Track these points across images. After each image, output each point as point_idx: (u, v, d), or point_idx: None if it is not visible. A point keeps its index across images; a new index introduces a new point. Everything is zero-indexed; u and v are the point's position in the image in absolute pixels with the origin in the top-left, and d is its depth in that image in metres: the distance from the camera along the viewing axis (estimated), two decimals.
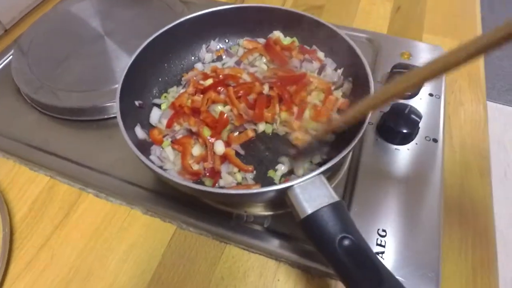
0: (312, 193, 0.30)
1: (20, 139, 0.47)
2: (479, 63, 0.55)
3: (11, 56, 0.56)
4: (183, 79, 0.47)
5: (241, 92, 0.41)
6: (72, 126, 0.48)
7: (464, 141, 0.46)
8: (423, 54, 0.53)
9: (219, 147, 0.37)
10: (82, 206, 0.42)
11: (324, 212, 0.29)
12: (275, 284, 0.36)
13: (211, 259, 0.37)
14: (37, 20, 0.59)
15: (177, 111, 0.40)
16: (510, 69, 1.62)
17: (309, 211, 0.29)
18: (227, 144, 0.39)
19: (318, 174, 0.31)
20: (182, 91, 0.45)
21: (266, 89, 0.42)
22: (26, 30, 0.57)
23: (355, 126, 0.34)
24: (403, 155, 0.43)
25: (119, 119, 0.36)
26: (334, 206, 0.29)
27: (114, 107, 0.47)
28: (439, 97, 0.48)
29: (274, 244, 0.37)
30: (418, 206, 0.39)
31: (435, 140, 0.44)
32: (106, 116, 0.48)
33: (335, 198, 0.30)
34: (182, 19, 0.46)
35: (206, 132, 0.38)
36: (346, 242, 0.27)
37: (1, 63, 0.56)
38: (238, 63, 0.47)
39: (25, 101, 0.51)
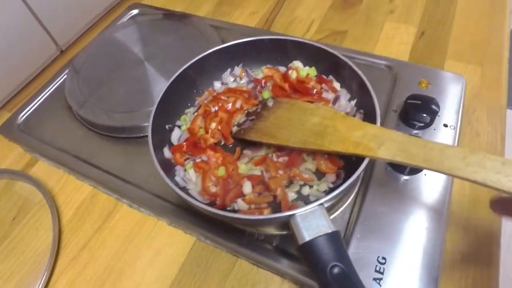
0: (311, 222, 0.34)
1: (69, 151, 0.54)
2: (501, 91, 0.55)
3: (65, 76, 0.64)
4: (196, 102, 0.52)
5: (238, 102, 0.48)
6: (114, 142, 0.55)
7: None
8: (443, 83, 0.54)
9: (247, 189, 0.41)
10: (118, 214, 0.48)
11: (320, 241, 0.32)
12: None
13: (224, 271, 0.42)
14: (88, 44, 0.67)
15: (192, 141, 0.46)
16: None
17: (307, 238, 0.32)
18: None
19: (319, 205, 0.34)
20: (195, 113, 0.50)
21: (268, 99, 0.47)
22: (78, 53, 0.66)
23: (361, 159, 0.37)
24: (411, 185, 0.45)
25: (150, 143, 0.42)
26: (329, 236, 0.32)
27: None
28: (454, 128, 0.49)
29: (280, 262, 0.41)
30: (421, 237, 0.41)
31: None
32: (142, 134, 0.54)
33: (332, 228, 0.33)
34: (211, 50, 0.51)
35: (221, 171, 0.43)
36: (337, 270, 0.31)
37: (57, 82, 0.64)
38: (252, 84, 0.52)
39: (75, 118, 0.59)
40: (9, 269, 0.45)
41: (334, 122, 0.41)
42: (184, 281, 0.42)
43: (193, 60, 0.50)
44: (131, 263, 0.44)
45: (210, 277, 0.42)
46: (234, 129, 0.48)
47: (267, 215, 0.36)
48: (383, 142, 0.36)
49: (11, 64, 0.63)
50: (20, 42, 0.63)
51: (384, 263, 0.39)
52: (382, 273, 0.38)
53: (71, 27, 0.72)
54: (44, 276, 0.43)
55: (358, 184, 0.46)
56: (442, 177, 0.45)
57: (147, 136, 0.54)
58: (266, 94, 0.49)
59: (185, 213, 0.45)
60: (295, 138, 0.42)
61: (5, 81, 0.64)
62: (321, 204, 0.35)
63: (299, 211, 0.34)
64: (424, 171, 0.46)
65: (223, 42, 0.62)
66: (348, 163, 0.43)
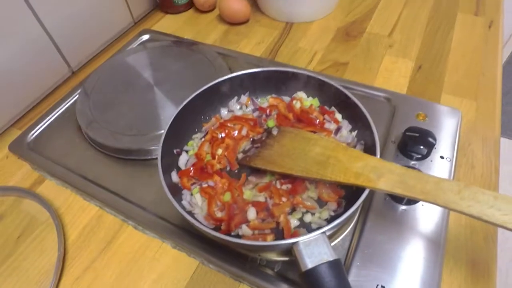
0: (314, 249, 0.35)
1: (77, 171, 0.56)
2: (495, 125, 0.58)
3: (76, 96, 0.66)
4: (203, 128, 0.54)
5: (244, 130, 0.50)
6: (121, 164, 0.56)
7: None
8: (440, 116, 0.57)
9: (252, 215, 0.43)
10: (123, 235, 0.49)
11: (322, 268, 0.34)
12: None
13: None
14: (99, 67, 0.70)
15: (199, 166, 0.47)
16: None
17: (309, 266, 0.34)
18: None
19: (321, 233, 0.36)
20: (202, 139, 0.52)
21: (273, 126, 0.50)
22: (89, 75, 0.68)
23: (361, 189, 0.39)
24: (409, 215, 0.47)
25: (159, 167, 0.43)
26: (331, 264, 0.34)
27: (157, 151, 0.55)
28: (450, 160, 0.51)
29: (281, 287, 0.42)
30: (419, 265, 0.42)
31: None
32: (149, 157, 0.56)
33: (334, 256, 0.34)
34: (220, 79, 0.53)
35: (227, 197, 0.44)
36: None
37: (68, 102, 0.67)
38: (257, 112, 0.54)
39: (84, 138, 0.60)
40: (13, 287, 0.46)
41: (336, 153, 0.43)
42: None
43: (202, 89, 0.52)
44: (135, 285, 0.45)
45: None
46: (240, 155, 0.50)
47: (271, 241, 0.37)
48: (382, 174, 0.38)
49: (24, 83, 0.65)
50: (35, 62, 0.65)
51: None
52: None
53: (83, 50, 0.75)
54: None
55: (358, 213, 0.48)
56: (439, 208, 0.46)
57: (153, 159, 0.56)
58: (271, 123, 0.52)
59: (189, 236, 0.46)
60: (298, 167, 0.44)
61: (17, 99, 0.66)
62: (323, 232, 0.36)
63: (302, 239, 0.35)
64: (421, 202, 0.47)
65: (230, 70, 0.65)
66: (349, 192, 0.45)
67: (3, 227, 0.51)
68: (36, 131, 0.62)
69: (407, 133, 0.52)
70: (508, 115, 1.89)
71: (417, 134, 0.51)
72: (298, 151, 0.45)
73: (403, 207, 0.47)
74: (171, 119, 0.48)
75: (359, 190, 0.39)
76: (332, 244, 0.45)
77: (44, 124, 0.63)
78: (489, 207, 0.33)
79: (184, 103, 0.50)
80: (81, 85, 0.68)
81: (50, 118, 0.64)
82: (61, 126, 0.63)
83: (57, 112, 0.65)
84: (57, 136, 0.62)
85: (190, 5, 0.87)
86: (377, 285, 0.41)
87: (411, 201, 0.47)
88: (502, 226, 0.33)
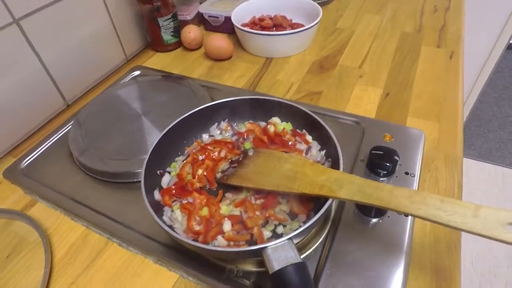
0: (281, 254, 0.38)
1: (67, 194, 0.59)
2: (457, 143, 0.63)
3: (69, 127, 0.71)
4: (185, 151, 0.58)
5: (223, 152, 0.55)
6: (109, 186, 0.60)
7: None
8: (405, 136, 0.62)
9: (227, 227, 0.46)
10: (107, 253, 0.51)
11: (288, 270, 0.36)
12: None
13: None
14: (92, 100, 0.75)
15: (180, 185, 0.51)
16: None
17: (276, 268, 0.37)
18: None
19: (288, 239, 0.39)
20: (184, 161, 0.56)
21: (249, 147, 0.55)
22: (83, 107, 0.73)
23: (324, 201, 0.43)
24: (377, 226, 0.50)
25: (142, 186, 0.47)
26: (297, 266, 0.37)
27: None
28: (414, 176, 0.56)
29: None
30: (386, 273, 0.45)
31: (406, 215, 0.51)
32: (135, 180, 0.59)
33: (299, 259, 0.37)
34: (201, 107, 0.58)
35: (205, 211, 0.48)
36: None
37: (61, 132, 0.71)
38: (235, 136, 0.59)
39: (75, 164, 0.64)
40: None
41: (303, 169, 0.47)
42: None
43: (184, 115, 0.57)
44: None
45: None
46: (218, 175, 0.54)
47: (242, 248, 0.40)
48: (343, 185, 0.42)
49: (20, 115, 0.70)
50: (32, 95, 0.70)
51: None
52: None
53: (78, 85, 0.81)
54: None
55: (329, 225, 0.51)
56: (404, 220, 0.50)
57: (139, 181, 0.59)
58: (248, 145, 0.56)
59: (170, 251, 0.49)
60: (270, 182, 0.48)
61: (13, 130, 0.70)
62: (290, 238, 0.39)
63: (270, 244, 0.38)
64: (388, 214, 0.51)
65: (212, 100, 0.71)
66: (317, 205, 0.48)
67: None
68: (29, 159, 0.66)
69: (372, 152, 0.56)
70: (490, 141, 1.99)
71: (381, 152, 0.56)
72: (270, 169, 0.49)
73: (373, 220, 0.51)
74: (155, 143, 0.53)
75: (326, 202, 0.43)
76: (304, 255, 0.48)
77: (37, 152, 0.67)
78: (436, 209, 0.37)
79: (167, 128, 0.55)
80: (74, 117, 0.73)
81: (44, 146, 0.68)
82: (53, 154, 0.67)
83: (51, 141, 0.70)
84: (49, 162, 0.66)
85: (179, 44, 0.94)
86: None
87: (379, 214, 0.51)
88: (447, 225, 0.36)
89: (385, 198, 0.39)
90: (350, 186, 0.42)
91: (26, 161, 0.66)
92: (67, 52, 0.75)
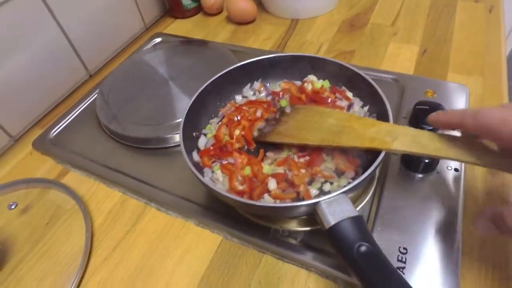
0: (336, 208, 0.36)
1: (99, 161, 0.58)
2: (503, 98, 0.59)
3: (95, 96, 0.69)
4: (219, 113, 0.56)
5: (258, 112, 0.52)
6: (140, 153, 0.58)
7: (486, 171, 0.50)
8: (448, 92, 0.59)
9: (272, 185, 0.44)
10: (147, 217, 0.50)
11: (345, 224, 0.35)
12: None
13: (251, 266, 0.44)
14: (116, 67, 0.73)
15: (219, 146, 0.49)
16: None
17: (333, 222, 0.35)
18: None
19: (341, 193, 0.37)
20: (219, 122, 0.54)
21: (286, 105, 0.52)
22: (107, 75, 0.71)
23: (377, 155, 0.40)
24: (425, 182, 0.48)
25: (182, 147, 0.45)
26: (353, 219, 0.35)
27: (174, 138, 0.58)
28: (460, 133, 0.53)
29: (305, 256, 0.43)
30: (439, 229, 0.43)
31: (456, 170, 0.48)
32: (167, 145, 0.58)
33: (355, 213, 0.35)
34: (231, 67, 0.55)
35: (247, 171, 0.46)
36: (363, 248, 0.33)
37: (88, 101, 0.70)
38: (270, 96, 0.56)
39: (104, 132, 0.63)
40: (43, 270, 0.47)
41: (349, 123, 0.44)
42: (213, 277, 0.43)
43: (216, 76, 0.54)
44: (161, 262, 0.46)
45: (238, 272, 0.43)
46: (256, 133, 0.51)
47: (295, 202, 0.38)
48: (396, 137, 0.40)
49: (44, 86, 0.68)
50: (55, 66, 0.69)
51: (406, 253, 0.41)
52: (404, 262, 0.40)
53: (100, 54, 0.79)
54: (77, 276, 0.45)
55: (375, 183, 0.49)
56: (455, 174, 0.47)
57: (170, 147, 0.59)
58: (284, 103, 0.53)
59: (212, 213, 0.48)
60: (314, 137, 0.45)
61: (39, 101, 0.69)
62: (344, 192, 0.37)
63: (324, 198, 0.36)
64: (437, 169, 0.48)
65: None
66: (364, 161, 0.46)
67: (31, 216, 0.53)
68: (57, 129, 0.65)
69: (417, 107, 0.53)
70: None
71: (427, 107, 0.53)
72: (312, 124, 0.47)
73: (419, 175, 0.48)
74: (189, 105, 0.50)
75: (374, 158, 0.41)
76: None
77: (65, 122, 0.66)
78: (501, 157, 0.34)
79: (200, 90, 0.52)
80: (99, 85, 0.71)
81: (71, 116, 0.67)
82: (81, 123, 0.66)
83: (77, 110, 0.68)
84: (78, 132, 0.64)
85: (199, 9, 0.91)
86: (400, 247, 0.41)
87: (427, 169, 0.48)
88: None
89: (443, 147, 0.37)
90: (405, 137, 0.39)
91: (55, 131, 0.65)
92: (87, 20, 0.72)
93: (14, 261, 0.48)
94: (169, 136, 0.58)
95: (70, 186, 0.56)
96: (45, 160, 0.62)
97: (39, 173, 0.60)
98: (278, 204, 0.39)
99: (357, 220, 0.35)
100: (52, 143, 0.63)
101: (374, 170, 0.39)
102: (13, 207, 0.53)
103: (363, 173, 0.45)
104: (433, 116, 0.38)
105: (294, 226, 0.45)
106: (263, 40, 0.78)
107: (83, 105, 0.69)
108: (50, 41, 0.66)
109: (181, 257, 0.46)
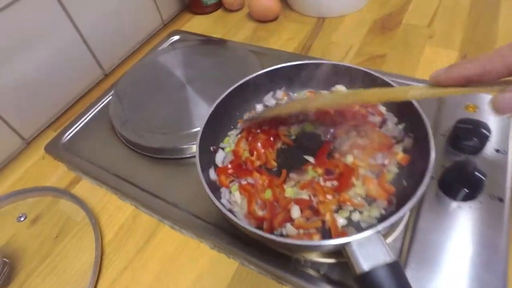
0: (369, 250, 0.32)
1: (111, 171, 0.55)
2: None
3: (109, 97, 0.66)
4: (238, 125, 0.52)
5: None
6: (154, 163, 0.55)
7: None
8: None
9: (296, 213, 0.40)
10: (160, 235, 0.48)
11: (380, 272, 0.30)
12: None
13: None
14: (131, 68, 0.70)
15: (237, 163, 0.46)
16: None
17: (366, 268, 0.31)
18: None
19: (376, 232, 0.33)
20: (239, 135, 0.50)
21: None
22: (122, 76, 0.68)
23: (416, 182, 0.36)
24: (465, 212, 0.43)
25: (197, 164, 0.41)
26: (390, 266, 0.31)
27: (191, 149, 0.54)
28: (505, 153, 0.47)
29: None
30: (480, 268, 0.38)
31: (501, 200, 0.43)
32: (183, 156, 0.54)
33: (392, 257, 0.31)
34: (255, 74, 0.51)
35: (268, 194, 0.42)
36: None
37: (102, 103, 0.67)
38: None
39: (118, 138, 0.60)
40: (51, 287, 0.45)
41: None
42: None
43: (237, 84, 0.50)
44: (173, 285, 0.43)
45: None
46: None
47: (322, 241, 0.34)
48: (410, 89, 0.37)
49: (59, 87, 0.66)
50: (69, 65, 0.66)
51: None
52: None
53: (115, 53, 0.76)
54: None
55: (409, 211, 0.44)
56: (498, 205, 0.42)
57: (186, 157, 0.55)
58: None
59: (227, 236, 0.44)
60: (333, 101, 0.45)
61: (52, 102, 0.66)
62: (378, 231, 0.33)
63: (355, 238, 0.32)
64: (480, 199, 0.43)
65: (262, 66, 0.63)
66: (400, 189, 0.41)
67: (41, 227, 0.51)
68: (71, 133, 0.63)
69: (459, 126, 0.48)
70: None
71: (470, 126, 0.47)
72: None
73: (458, 203, 0.43)
74: (207, 116, 0.47)
75: (410, 186, 0.36)
76: None
77: (78, 125, 0.64)
78: None
79: (220, 99, 0.49)
80: (113, 87, 0.68)
81: (84, 119, 0.64)
82: (95, 127, 0.63)
83: (91, 113, 0.65)
84: (91, 136, 0.62)
85: (219, 5, 0.86)
86: None
87: (466, 198, 0.43)
88: None
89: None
90: (417, 88, 0.36)
91: (68, 135, 0.62)
92: (101, 18, 0.69)
93: (22, 276, 0.46)
94: (185, 146, 0.54)
95: (82, 195, 0.53)
96: (57, 166, 0.59)
97: (51, 180, 0.58)
98: (302, 242, 0.35)
99: (394, 268, 0.31)
100: (65, 147, 0.60)
101: (415, 204, 0.35)
102: (22, 219, 0.51)
103: (397, 202, 0.41)
104: None
105: (317, 257, 0.41)
106: (285, 40, 0.73)
107: (97, 107, 0.66)
108: (65, 40, 0.64)
109: (195, 281, 0.43)
